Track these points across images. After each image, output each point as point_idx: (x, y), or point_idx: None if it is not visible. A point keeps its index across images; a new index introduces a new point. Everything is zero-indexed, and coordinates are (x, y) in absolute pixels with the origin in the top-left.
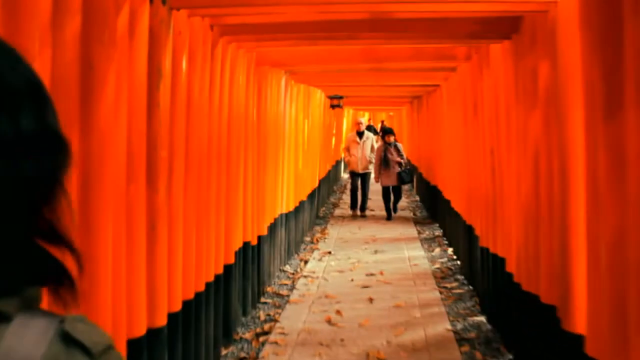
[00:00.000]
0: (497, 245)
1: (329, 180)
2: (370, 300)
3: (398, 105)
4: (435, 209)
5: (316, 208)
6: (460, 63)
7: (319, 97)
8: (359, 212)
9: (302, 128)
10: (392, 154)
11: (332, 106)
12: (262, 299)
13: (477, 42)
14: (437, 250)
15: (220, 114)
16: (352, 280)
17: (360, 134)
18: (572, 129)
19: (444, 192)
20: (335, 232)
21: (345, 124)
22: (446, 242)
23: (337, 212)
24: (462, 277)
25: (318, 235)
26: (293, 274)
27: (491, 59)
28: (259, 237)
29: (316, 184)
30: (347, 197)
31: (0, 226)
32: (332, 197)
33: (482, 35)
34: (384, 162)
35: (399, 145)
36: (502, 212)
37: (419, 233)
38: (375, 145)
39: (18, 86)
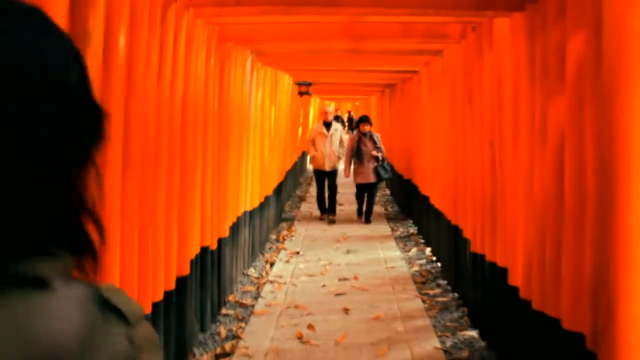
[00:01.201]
0: (495, 252)
1: (296, 172)
2: (346, 310)
3: (367, 94)
4: (409, 205)
5: (282, 203)
6: (449, 45)
7: (286, 82)
8: (329, 217)
9: (269, 116)
10: (366, 146)
11: (300, 93)
12: (223, 310)
13: (481, 15)
14: (414, 250)
15: (173, 96)
16: (323, 286)
17: (327, 125)
18: (624, 114)
19: (421, 187)
20: (303, 229)
21: (312, 112)
22: (423, 240)
23: (304, 206)
24: (445, 282)
25: (285, 232)
26: (258, 278)
27: (494, 37)
28: (220, 240)
29: (283, 177)
30: (314, 190)
31: (37, 192)
32: (298, 190)
33: (488, 5)
34: (356, 156)
35: (376, 135)
36: (503, 213)
37: (393, 230)
38: (345, 138)
39: (57, 57)
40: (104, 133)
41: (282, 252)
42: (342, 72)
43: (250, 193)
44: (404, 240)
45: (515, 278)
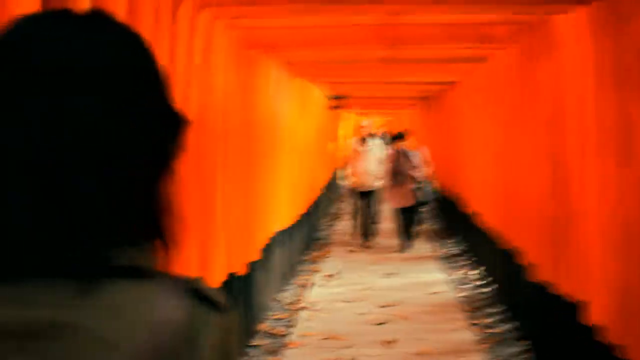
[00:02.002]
0: (563, 282)
1: (330, 188)
2: (389, 343)
3: (399, 108)
4: (452, 221)
5: (316, 221)
6: (496, 50)
7: (317, 95)
8: (364, 242)
9: (300, 131)
10: (403, 166)
11: (333, 107)
12: (253, 342)
13: (535, 10)
14: (460, 272)
15: (187, 105)
16: (362, 314)
17: (364, 141)
18: None
19: (467, 204)
20: (338, 249)
21: (346, 127)
22: (469, 262)
23: (339, 225)
24: (498, 310)
25: (319, 253)
26: (291, 304)
27: (552, 37)
28: (250, 265)
29: (317, 194)
30: (348, 208)
31: (130, 188)
32: (332, 207)
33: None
34: (392, 176)
35: (414, 153)
36: (571, 238)
37: (436, 250)
38: (384, 156)
39: (133, 64)
40: (182, 139)
41: (317, 275)
42: (375, 84)
43: (282, 212)
44: (448, 262)
45: (591, 315)
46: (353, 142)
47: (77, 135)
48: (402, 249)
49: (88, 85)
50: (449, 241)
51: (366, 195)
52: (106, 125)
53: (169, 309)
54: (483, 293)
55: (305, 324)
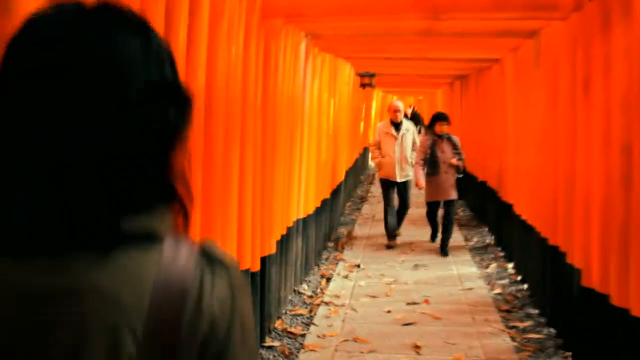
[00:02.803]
0: (625, 295)
1: (356, 170)
2: (417, 348)
3: (433, 87)
4: (483, 210)
5: (342, 205)
6: (552, 22)
7: (347, 73)
8: (389, 240)
9: (327, 110)
10: (444, 152)
11: (363, 85)
12: (268, 341)
13: None
14: (493, 266)
15: (194, 78)
16: (388, 312)
17: (396, 125)
18: None
19: (501, 192)
20: (364, 235)
21: (374, 107)
22: (502, 254)
23: (366, 208)
24: (537, 311)
25: (344, 239)
26: (311, 297)
27: (629, 2)
28: (263, 259)
29: (342, 177)
30: (376, 190)
31: (141, 161)
32: (359, 189)
33: None
34: (430, 165)
35: (455, 138)
36: None
37: (466, 240)
38: (418, 141)
39: (141, 47)
40: (191, 116)
41: (340, 265)
42: (409, 60)
43: (304, 198)
44: (480, 253)
45: None
46: (382, 125)
47: (92, 116)
48: (439, 250)
49: (102, 73)
50: (480, 230)
51: (397, 187)
52: (121, 105)
53: (180, 269)
54: (519, 291)
55: (325, 322)
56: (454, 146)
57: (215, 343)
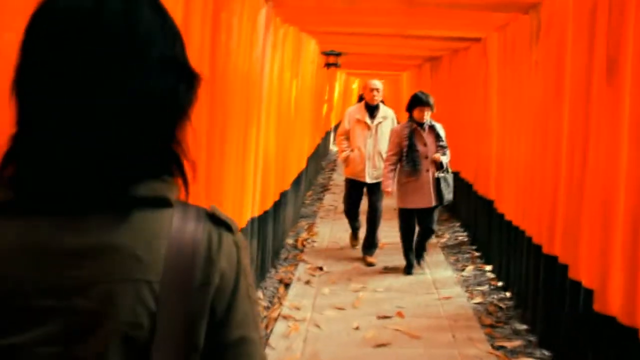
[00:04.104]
0: None
1: (318, 156)
2: None
3: (397, 69)
4: (454, 203)
5: (302, 195)
6: None
7: (312, 50)
8: (366, 257)
9: (289, 91)
10: (425, 145)
11: (328, 65)
12: None
13: None
14: (470, 268)
15: None
16: (357, 328)
17: (371, 110)
18: None
19: (478, 187)
20: (326, 230)
21: (337, 89)
22: (478, 254)
23: (328, 198)
24: (525, 326)
25: (304, 235)
26: (268, 308)
27: None
28: None
29: (304, 165)
30: (339, 178)
31: (153, 130)
32: (320, 176)
33: None
34: (407, 162)
35: (439, 127)
36: None
37: (437, 236)
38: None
39: (154, 23)
40: (197, 92)
41: (301, 267)
42: (379, 37)
43: (260, 192)
44: (453, 252)
45: None
46: (354, 110)
47: (107, 89)
48: (409, 269)
49: (120, 43)
50: (451, 225)
51: (370, 189)
52: (139, 74)
53: (190, 229)
54: (502, 300)
55: (283, 344)
56: (438, 137)
57: (224, 293)
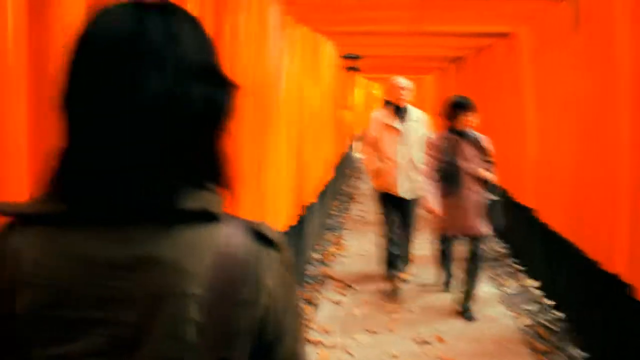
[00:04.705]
0: None
1: (343, 165)
2: None
3: (421, 72)
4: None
5: (328, 207)
6: None
7: (330, 53)
8: (397, 277)
9: (310, 97)
10: (467, 159)
11: (348, 68)
12: None
13: None
14: (513, 283)
15: None
16: (395, 356)
17: (400, 112)
18: None
19: (515, 194)
20: (354, 242)
21: (359, 94)
22: (521, 267)
23: (354, 208)
24: (584, 354)
25: (331, 249)
26: None
27: None
28: None
29: (331, 175)
30: (363, 186)
31: (193, 139)
32: (345, 185)
33: None
34: (445, 178)
35: (483, 138)
36: None
37: None
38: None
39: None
40: (235, 101)
41: (329, 284)
42: (399, 36)
43: (283, 208)
44: (492, 265)
45: None
46: (380, 114)
47: (149, 101)
48: (464, 311)
49: (160, 57)
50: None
51: (403, 205)
52: (177, 83)
53: (235, 245)
54: (554, 321)
55: None
56: (482, 151)
57: (274, 312)
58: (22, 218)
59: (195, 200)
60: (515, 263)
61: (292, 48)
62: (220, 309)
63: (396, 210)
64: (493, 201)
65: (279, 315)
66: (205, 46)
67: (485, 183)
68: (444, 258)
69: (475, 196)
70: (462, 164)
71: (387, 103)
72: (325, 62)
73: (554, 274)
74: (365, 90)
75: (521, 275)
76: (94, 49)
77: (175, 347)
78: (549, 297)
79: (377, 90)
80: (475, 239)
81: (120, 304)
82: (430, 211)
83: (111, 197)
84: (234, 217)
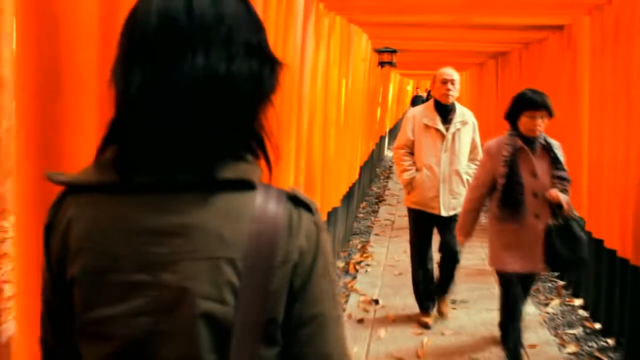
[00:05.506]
0: None
1: (372, 163)
2: None
3: (459, 68)
4: None
5: (355, 209)
6: None
7: (364, 46)
8: (429, 307)
9: (338, 91)
10: (535, 175)
11: (382, 63)
12: None
13: None
14: (556, 303)
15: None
16: None
17: (445, 112)
18: None
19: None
20: (382, 250)
21: (392, 90)
22: (562, 282)
23: (383, 211)
24: None
25: (356, 257)
26: None
27: None
28: None
29: (356, 176)
30: (394, 186)
31: (237, 113)
32: (374, 184)
33: None
34: (506, 198)
35: (555, 145)
36: None
37: None
38: (479, 142)
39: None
40: (279, 78)
41: (353, 298)
42: (438, 28)
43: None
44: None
45: None
46: (419, 112)
47: (196, 75)
48: (513, 348)
49: (208, 32)
50: None
51: (442, 224)
52: (226, 60)
53: (272, 210)
54: (603, 350)
55: None
56: (555, 162)
57: (302, 269)
58: (75, 187)
59: (234, 171)
60: (558, 278)
61: (321, 37)
62: (257, 272)
63: (431, 229)
64: (568, 228)
65: (305, 272)
66: (252, 24)
67: (558, 208)
68: (511, 311)
69: (541, 222)
70: (527, 179)
71: (428, 97)
72: (358, 55)
73: (602, 292)
74: (398, 87)
75: (565, 292)
76: (145, 26)
77: (213, 308)
78: (596, 318)
79: (410, 87)
80: (530, 277)
81: (161, 268)
82: (460, 240)
83: (158, 165)
84: (269, 186)
